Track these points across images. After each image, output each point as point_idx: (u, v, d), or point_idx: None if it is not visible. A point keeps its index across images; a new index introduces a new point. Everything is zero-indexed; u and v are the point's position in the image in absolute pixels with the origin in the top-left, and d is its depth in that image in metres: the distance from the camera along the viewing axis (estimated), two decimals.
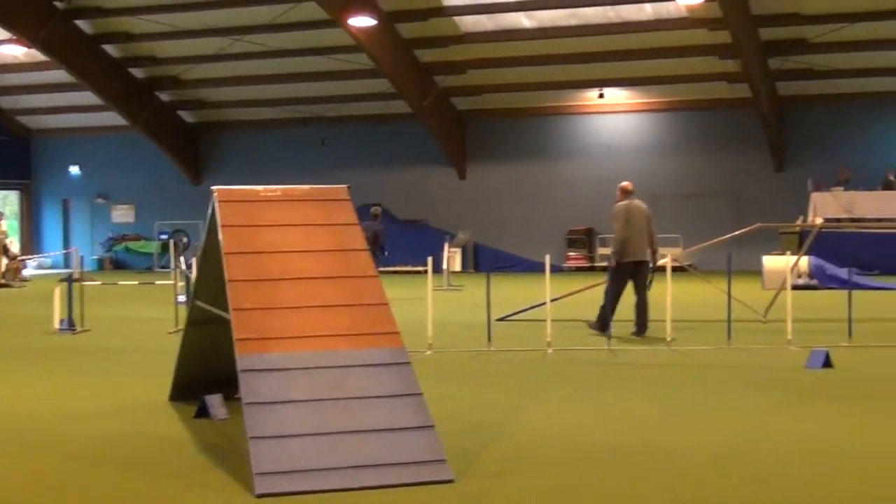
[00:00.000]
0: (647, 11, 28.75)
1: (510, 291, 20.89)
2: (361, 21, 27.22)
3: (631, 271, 14.28)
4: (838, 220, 27.36)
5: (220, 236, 7.53)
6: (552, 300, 13.09)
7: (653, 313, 14.15)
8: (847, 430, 7.98)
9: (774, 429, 8.05)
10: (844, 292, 13.40)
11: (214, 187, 7.97)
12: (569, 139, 34.62)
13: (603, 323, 14.03)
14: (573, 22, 29.57)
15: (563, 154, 34.56)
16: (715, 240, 17.69)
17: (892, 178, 29.29)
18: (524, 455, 7.18)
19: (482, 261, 33.04)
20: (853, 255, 22.96)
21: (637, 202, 14.70)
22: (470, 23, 29.92)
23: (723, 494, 6.21)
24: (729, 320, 13.28)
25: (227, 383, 8.50)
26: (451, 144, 34.87)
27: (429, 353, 12.32)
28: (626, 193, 14.75)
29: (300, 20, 28.54)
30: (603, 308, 14.28)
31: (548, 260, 13.16)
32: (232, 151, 36.44)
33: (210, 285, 8.40)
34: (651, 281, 14.39)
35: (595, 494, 6.26)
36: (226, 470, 6.75)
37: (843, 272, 23.04)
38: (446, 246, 27.16)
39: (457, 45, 30.71)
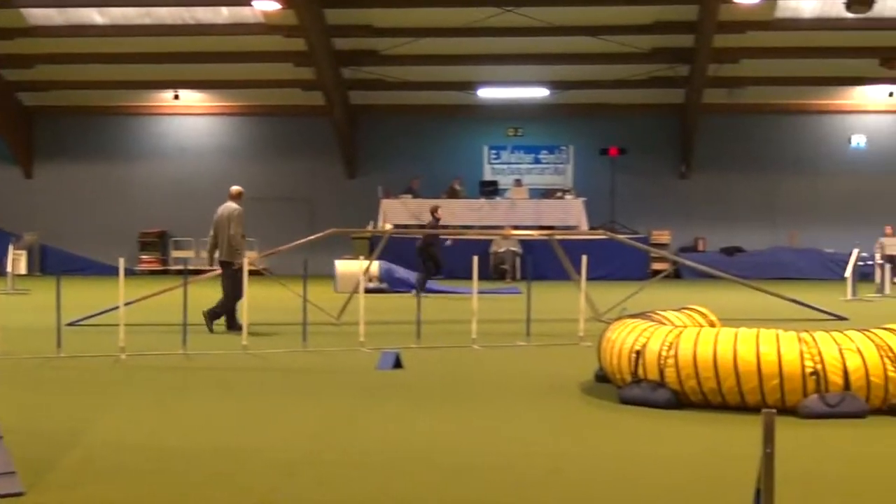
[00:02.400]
0: (223, 15, 28.70)
1: (81, 295, 20.15)
2: None
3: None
4: (407, 226, 28.50)
5: None
6: (126, 304, 12.76)
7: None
8: (419, 429, 8.29)
9: (348, 430, 8.24)
10: (413, 295, 13.94)
11: None
12: (143, 140, 33.93)
13: (231, 320, 15.12)
14: (147, 21, 29.02)
15: (137, 155, 33.83)
16: (290, 244, 17.90)
17: (457, 187, 30.85)
18: (98, 464, 6.94)
19: (50, 263, 31.71)
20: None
21: (228, 204, 15.62)
22: (38, 16, 28.67)
23: (298, 497, 6.27)
24: (304, 323, 13.47)
25: None
26: (16, 142, 33.19)
27: None
28: (231, 197, 15.73)
29: None
30: (224, 306, 15.21)
31: (122, 263, 12.80)
32: None
33: None
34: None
35: (170, 502, 6.16)
36: None
37: (412, 276, 24.06)
38: (10, 248, 25.87)
39: (24, 39, 29.30)
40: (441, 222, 25.12)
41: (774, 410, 3.79)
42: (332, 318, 16.26)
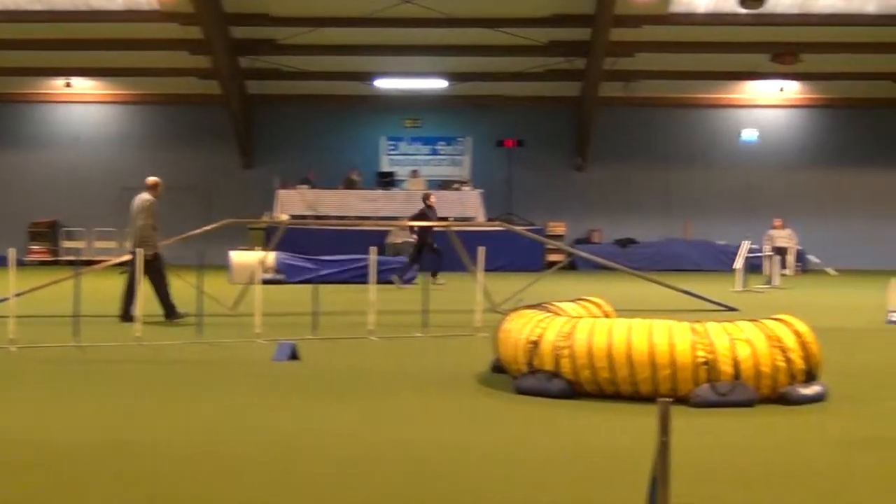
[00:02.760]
0: (118, 2, 28.27)
1: None
2: None
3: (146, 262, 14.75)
4: (303, 216, 28.36)
5: None
6: (16, 295, 12.49)
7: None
8: (315, 421, 8.25)
9: (243, 423, 8.17)
10: (309, 286, 13.88)
11: None
12: (34, 128, 33.26)
13: (169, 308, 15.18)
14: (38, 7, 28.42)
15: (28, 143, 33.16)
16: (185, 234, 17.69)
17: (354, 177, 30.79)
18: None
19: None
20: (317, 250, 23.90)
21: (142, 195, 15.73)
22: None
23: (192, 492, 6.20)
24: (200, 315, 13.33)
25: None
26: None
27: None
28: (147, 188, 15.83)
29: None
30: (163, 297, 15.25)
31: (12, 253, 12.52)
32: None
33: None
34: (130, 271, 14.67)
35: (63, 496, 6.04)
36: None
37: (309, 266, 23.96)
38: None
39: None
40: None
41: (670, 399, 3.84)
42: (227, 309, 16.10)
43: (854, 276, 28.03)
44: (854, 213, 33.07)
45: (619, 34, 28.70)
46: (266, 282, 17.55)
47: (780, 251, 27.30)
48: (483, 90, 32.43)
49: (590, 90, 31.15)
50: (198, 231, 17.63)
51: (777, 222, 29.28)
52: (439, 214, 29.00)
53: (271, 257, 23.46)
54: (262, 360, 11.37)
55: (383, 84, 32.23)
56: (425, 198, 24.83)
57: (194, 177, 32.62)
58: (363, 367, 11.17)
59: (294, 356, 11.36)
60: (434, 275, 22.76)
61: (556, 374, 9.11)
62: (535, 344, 9.29)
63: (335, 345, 12.89)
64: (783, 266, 26.95)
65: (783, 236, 29.01)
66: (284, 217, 27.87)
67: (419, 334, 13.77)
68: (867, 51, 30.37)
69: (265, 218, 28.45)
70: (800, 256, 30.12)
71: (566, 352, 9.05)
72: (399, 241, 28.75)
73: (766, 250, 26.09)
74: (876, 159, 33.16)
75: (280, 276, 24.05)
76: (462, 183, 31.20)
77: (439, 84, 32.29)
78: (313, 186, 30.23)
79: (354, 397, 9.27)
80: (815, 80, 32.42)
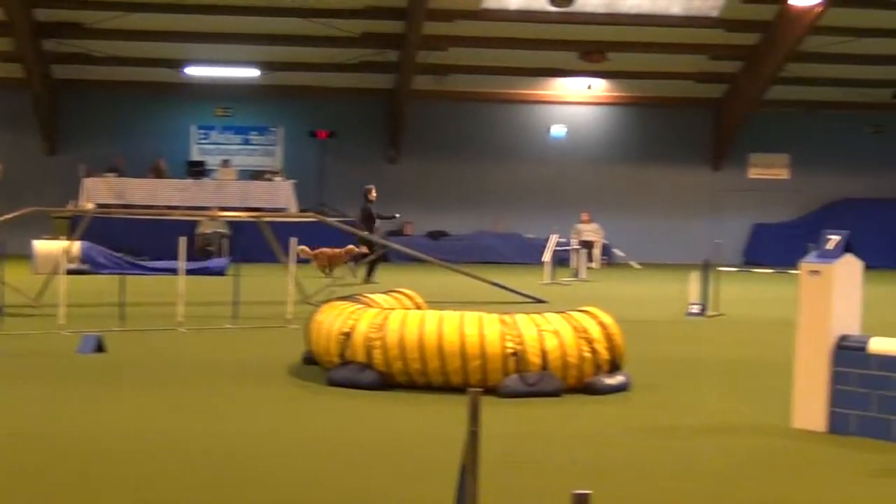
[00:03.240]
0: None
1: None
2: None
3: None
4: (109, 205, 27.68)
5: None
6: None
7: None
8: (122, 414, 8.08)
9: (46, 416, 7.94)
10: (116, 277, 13.57)
11: None
12: None
13: None
14: None
15: None
16: None
17: (162, 166, 30.21)
18: None
19: None
20: (125, 240, 23.33)
21: None
22: None
23: None
24: (1, 306, 12.89)
25: None
26: None
27: None
28: None
29: None
30: None
31: None
32: None
33: None
34: None
35: None
36: None
37: (115, 257, 23.40)
38: None
39: None
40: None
41: (480, 389, 3.89)
42: (30, 300, 15.59)
43: (657, 270, 28.91)
44: (658, 208, 34.10)
45: (432, 28, 28.90)
46: (71, 272, 17.06)
47: (587, 245, 28.01)
48: (296, 80, 32.22)
49: (403, 83, 31.28)
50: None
51: (584, 216, 30.02)
52: (251, 205, 28.73)
53: (76, 247, 22.80)
54: (65, 352, 11.05)
55: (194, 72, 31.69)
56: (366, 193, 24.44)
57: None
58: (171, 358, 10.98)
59: (100, 348, 11.08)
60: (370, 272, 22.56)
61: (368, 366, 9.14)
62: (347, 336, 9.30)
63: (143, 336, 12.63)
64: (590, 259, 27.64)
65: (590, 230, 29.76)
66: (90, 206, 27.13)
67: (230, 326, 13.61)
68: (671, 51, 31.36)
69: (70, 206, 27.65)
70: (606, 250, 30.93)
71: (378, 343, 9.09)
72: (209, 231, 28.34)
73: (574, 244, 26.70)
74: (679, 157, 34.27)
75: (85, 267, 23.39)
76: (274, 173, 30.94)
77: (251, 73, 31.95)
78: (121, 175, 29.56)
79: (162, 390, 9.11)
80: (622, 78, 33.28)
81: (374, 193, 24.49)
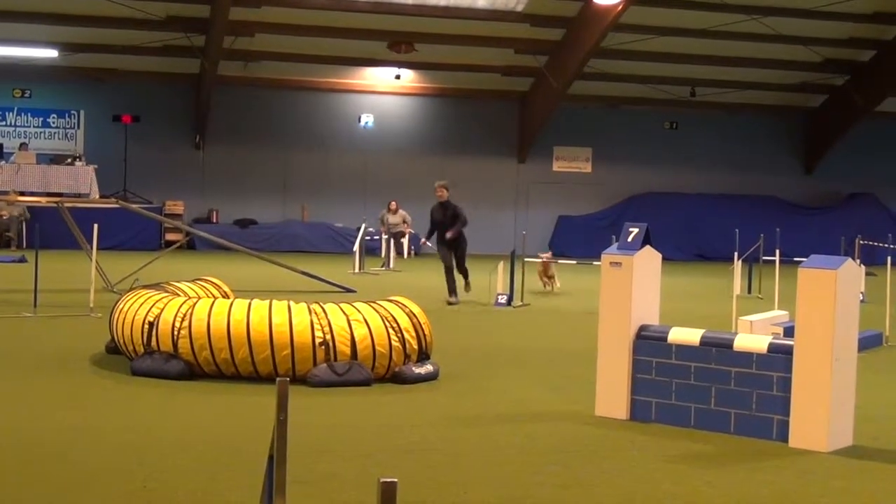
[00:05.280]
0: None
1: None
2: None
3: None
4: None
5: None
6: None
7: None
8: None
9: None
10: None
11: None
12: None
13: None
14: None
15: None
16: None
17: None
18: None
19: None
20: None
21: None
22: None
23: None
24: None
25: None
26: None
27: None
28: None
29: None
30: None
31: None
32: None
33: None
34: None
35: None
36: None
37: None
38: None
39: None
40: None
41: (288, 378, 3.88)
42: None
43: (467, 260, 29.21)
44: (466, 198, 34.45)
45: (238, 13, 28.48)
46: None
47: (396, 235, 28.13)
48: (98, 62, 31.29)
49: (209, 68, 30.73)
50: None
51: (392, 204, 30.13)
52: (51, 189, 27.79)
53: None
54: None
55: None
56: (443, 187, 17.78)
57: None
58: None
59: None
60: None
61: (174, 355, 8.99)
62: (153, 325, 9.13)
63: None
64: (399, 249, 27.77)
65: (398, 220, 29.91)
66: None
67: (28, 314, 13.17)
68: (478, 44, 31.72)
69: None
70: (414, 240, 31.13)
71: (184, 332, 8.95)
72: (6, 216, 27.34)
73: (383, 233, 26.77)
74: (486, 148, 34.70)
75: None
76: (75, 157, 30.00)
77: (49, 53, 30.90)
78: None
79: None
80: (429, 69, 33.51)
81: (443, 191, 17.72)
